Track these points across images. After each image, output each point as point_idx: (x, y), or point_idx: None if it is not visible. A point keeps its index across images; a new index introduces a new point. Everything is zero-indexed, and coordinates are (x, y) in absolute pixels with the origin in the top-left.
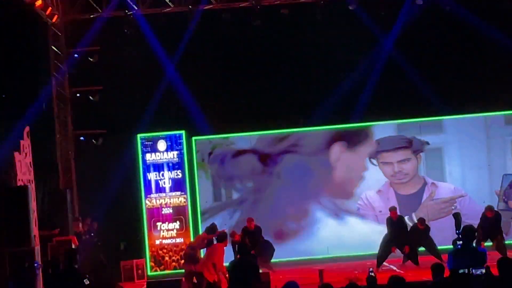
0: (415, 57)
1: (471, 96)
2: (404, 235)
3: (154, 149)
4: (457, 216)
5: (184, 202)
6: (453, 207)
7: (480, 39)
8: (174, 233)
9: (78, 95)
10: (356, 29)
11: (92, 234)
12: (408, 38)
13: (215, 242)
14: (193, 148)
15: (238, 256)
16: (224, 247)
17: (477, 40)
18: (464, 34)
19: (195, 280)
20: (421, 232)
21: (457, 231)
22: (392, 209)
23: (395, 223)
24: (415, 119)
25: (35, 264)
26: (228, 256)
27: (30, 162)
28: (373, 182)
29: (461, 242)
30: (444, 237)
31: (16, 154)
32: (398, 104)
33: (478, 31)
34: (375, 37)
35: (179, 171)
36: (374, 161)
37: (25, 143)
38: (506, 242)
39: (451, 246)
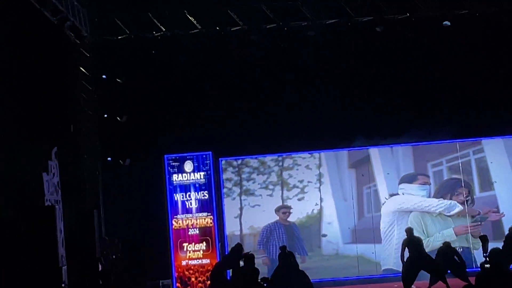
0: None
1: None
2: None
3: (181, 170)
4: (484, 239)
5: (211, 223)
6: None
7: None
8: (200, 253)
9: (105, 116)
10: (384, 51)
11: (119, 255)
12: (433, 59)
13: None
14: (220, 169)
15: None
16: None
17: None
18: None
19: None
20: (448, 254)
21: (485, 254)
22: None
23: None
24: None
25: (62, 285)
26: None
27: (57, 182)
28: None
29: (488, 265)
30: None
31: (44, 174)
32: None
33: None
34: (402, 59)
35: (206, 192)
36: None
37: (53, 163)
38: None
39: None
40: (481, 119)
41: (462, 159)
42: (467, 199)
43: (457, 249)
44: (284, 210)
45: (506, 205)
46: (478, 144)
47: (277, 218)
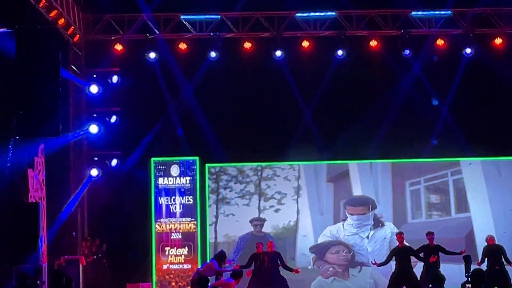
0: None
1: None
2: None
3: (167, 174)
4: (467, 259)
5: (194, 228)
6: None
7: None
8: (182, 258)
9: (94, 115)
10: (377, 66)
11: (100, 255)
12: (427, 78)
13: (225, 276)
14: (206, 175)
15: None
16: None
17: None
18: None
19: None
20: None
21: (467, 274)
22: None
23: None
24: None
25: (38, 281)
26: None
27: (43, 180)
28: None
29: (470, 285)
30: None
31: (29, 170)
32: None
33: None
34: (395, 76)
35: (191, 197)
36: None
37: (39, 160)
38: None
39: None
40: (461, 140)
41: (440, 179)
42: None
43: None
44: (255, 223)
45: (481, 227)
46: (457, 165)
47: (252, 229)
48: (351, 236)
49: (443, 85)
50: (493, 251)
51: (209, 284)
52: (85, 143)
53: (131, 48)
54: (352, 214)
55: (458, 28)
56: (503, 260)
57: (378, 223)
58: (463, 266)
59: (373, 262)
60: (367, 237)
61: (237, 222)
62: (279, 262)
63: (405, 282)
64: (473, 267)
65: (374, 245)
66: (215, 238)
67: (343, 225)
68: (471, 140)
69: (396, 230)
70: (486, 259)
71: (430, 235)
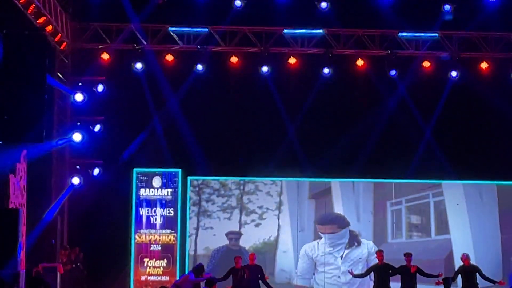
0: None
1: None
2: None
3: (149, 185)
4: (447, 281)
5: (174, 240)
6: None
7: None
8: (160, 270)
9: (78, 123)
10: (363, 85)
11: (78, 264)
12: (413, 100)
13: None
14: (188, 187)
15: None
16: None
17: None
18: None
19: None
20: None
21: None
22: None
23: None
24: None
25: None
26: None
27: (24, 186)
28: None
29: None
30: None
31: (11, 176)
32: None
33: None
34: (381, 96)
35: (172, 209)
36: None
37: (21, 166)
38: None
39: None
40: (443, 162)
41: (422, 200)
42: None
43: None
44: (231, 236)
45: (460, 250)
46: (438, 187)
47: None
48: (326, 255)
49: (427, 107)
50: (468, 272)
51: None
52: (68, 151)
53: (118, 58)
54: (323, 233)
55: (445, 51)
56: (481, 279)
57: (353, 242)
58: None
59: (349, 271)
60: (341, 256)
61: (215, 236)
62: (259, 276)
63: None
64: None
65: (348, 265)
66: (195, 250)
67: (318, 243)
68: (454, 162)
69: (374, 249)
70: (461, 279)
71: (407, 256)
